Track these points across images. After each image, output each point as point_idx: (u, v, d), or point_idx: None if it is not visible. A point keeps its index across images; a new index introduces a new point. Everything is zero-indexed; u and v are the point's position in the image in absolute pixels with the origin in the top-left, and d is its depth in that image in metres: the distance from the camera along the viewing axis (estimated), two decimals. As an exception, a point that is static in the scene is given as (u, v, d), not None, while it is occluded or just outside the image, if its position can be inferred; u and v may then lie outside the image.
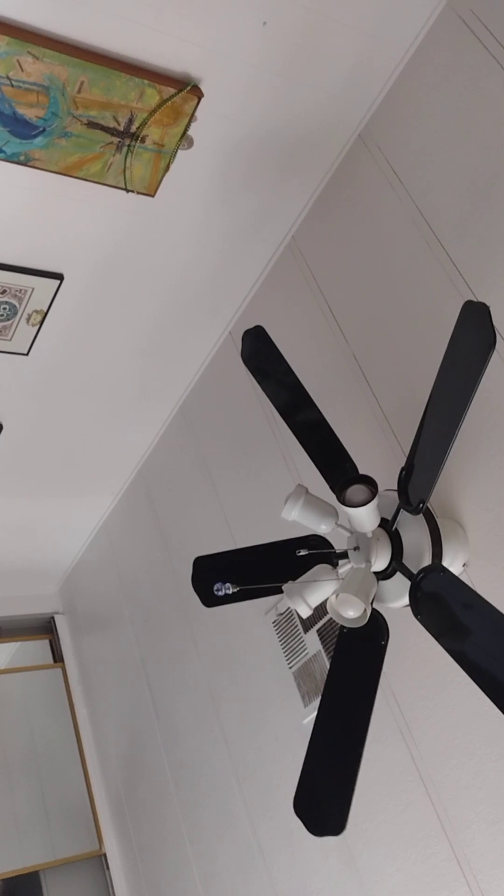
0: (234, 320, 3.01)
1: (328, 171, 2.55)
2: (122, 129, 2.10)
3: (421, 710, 2.11)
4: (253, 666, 2.82)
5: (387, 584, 1.78)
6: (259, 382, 1.97)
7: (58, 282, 2.51)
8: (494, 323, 1.45)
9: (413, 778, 2.11)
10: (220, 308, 2.95)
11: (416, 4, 2.16)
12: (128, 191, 2.28)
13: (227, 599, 1.75)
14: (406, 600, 1.69)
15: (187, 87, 2.07)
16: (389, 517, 1.78)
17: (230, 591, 1.68)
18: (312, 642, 2.51)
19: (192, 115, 2.14)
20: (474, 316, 1.49)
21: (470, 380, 1.49)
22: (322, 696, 1.78)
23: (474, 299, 1.72)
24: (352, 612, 1.59)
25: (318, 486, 1.82)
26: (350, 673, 1.76)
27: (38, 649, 4.25)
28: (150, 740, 3.40)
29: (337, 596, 1.60)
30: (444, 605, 1.58)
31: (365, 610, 1.59)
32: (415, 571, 1.68)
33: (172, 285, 2.76)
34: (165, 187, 2.32)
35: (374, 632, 1.70)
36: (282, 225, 2.70)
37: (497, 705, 1.43)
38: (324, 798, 1.74)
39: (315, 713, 1.81)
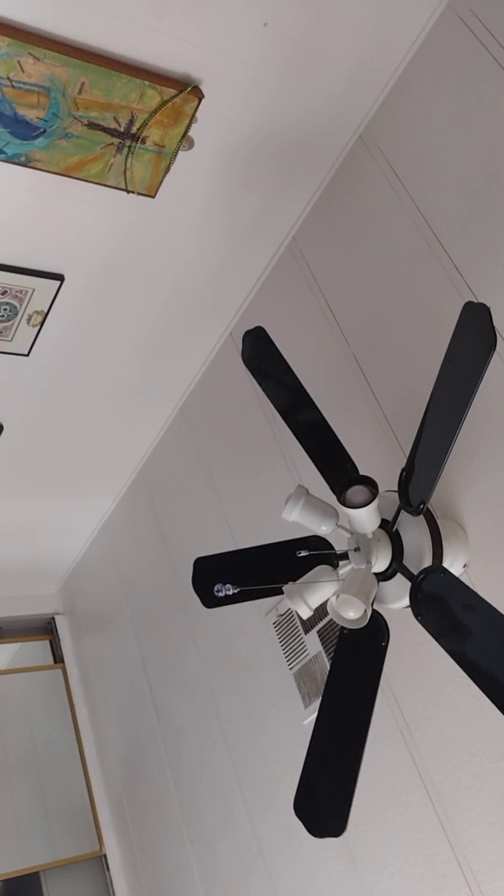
0: (234, 321, 3.01)
1: (329, 171, 2.55)
2: (122, 129, 2.10)
3: (421, 711, 2.11)
4: (253, 667, 2.82)
5: (387, 585, 1.78)
6: (259, 383, 1.97)
7: (58, 282, 2.51)
8: (495, 324, 1.45)
9: (413, 779, 2.11)
10: (220, 309, 2.95)
11: (417, 5, 2.16)
12: (128, 192, 2.28)
13: (228, 600, 1.75)
14: (406, 601, 1.69)
15: (188, 88, 2.07)
16: (390, 518, 1.78)
17: (230, 592, 1.68)
18: (313, 643, 2.51)
19: (193, 115, 2.14)
20: (475, 317, 1.49)
21: (470, 381, 1.49)
22: (322, 697, 1.79)
23: (475, 300, 1.72)
24: (352, 613, 1.59)
25: (319, 486, 1.82)
26: (350, 674, 1.76)
27: (38, 650, 4.25)
28: (150, 741, 3.40)
29: (337, 597, 1.60)
30: (444, 605, 1.58)
31: (365, 611, 1.59)
32: (415, 572, 1.68)
33: (173, 286, 2.76)
34: (166, 188, 2.32)
35: (375, 633, 1.70)
36: (282, 225, 2.70)
37: (497, 706, 1.43)
38: (324, 799, 1.75)
39: (315, 714, 1.81)
